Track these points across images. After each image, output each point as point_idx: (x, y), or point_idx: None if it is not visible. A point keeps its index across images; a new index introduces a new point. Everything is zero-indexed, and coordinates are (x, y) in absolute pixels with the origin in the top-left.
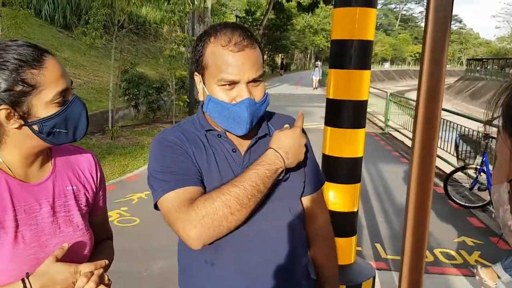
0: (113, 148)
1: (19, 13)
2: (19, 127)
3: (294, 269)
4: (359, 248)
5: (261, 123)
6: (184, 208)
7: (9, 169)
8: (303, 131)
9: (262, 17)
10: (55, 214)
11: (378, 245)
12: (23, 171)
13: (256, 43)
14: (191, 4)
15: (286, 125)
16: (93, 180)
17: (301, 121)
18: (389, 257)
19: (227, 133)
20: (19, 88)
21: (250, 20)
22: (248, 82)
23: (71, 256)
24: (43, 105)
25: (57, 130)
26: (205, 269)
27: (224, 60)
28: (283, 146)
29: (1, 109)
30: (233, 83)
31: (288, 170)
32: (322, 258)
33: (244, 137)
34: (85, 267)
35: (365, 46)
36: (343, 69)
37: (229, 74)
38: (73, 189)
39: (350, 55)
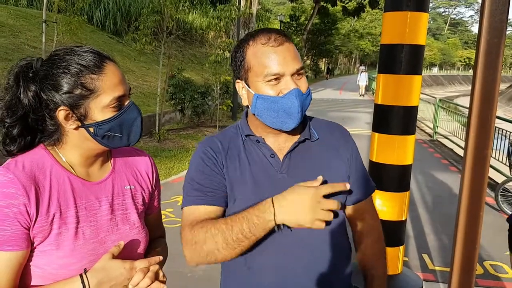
0: (160, 151)
1: (74, 20)
2: (76, 128)
3: (334, 277)
4: (405, 258)
5: (303, 127)
6: (188, 227)
7: (72, 168)
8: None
9: (307, 22)
10: (113, 212)
11: (425, 256)
12: (84, 170)
13: (291, 40)
14: (237, 10)
15: (319, 177)
16: (149, 180)
17: (318, 183)
18: (436, 268)
19: (266, 139)
20: (78, 91)
21: (295, 25)
22: (292, 75)
23: (127, 252)
24: (99, 109)
25: (112, 134)
26: (243, 272)
27: (266, 56)
28: (284, 199)
29: (61, 109)
30: (278, 78)
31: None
32: (371, 258)
33: (283, 141)
34: (141, 263)
35: (416, 51)
36: (393, 74)
37: (274, 68)
38: (130, 189)
39: (400, 59)
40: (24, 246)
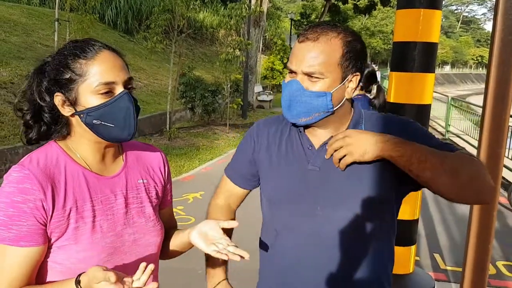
0: (170, 149)
1: (85, 18)
2: (72, 115)
3: (353, 279)
4: (417, 258)
5: (350, 123)
6: (215, 195)
7: (86, 163)
8: None
9: (317, 20)
10: (128, 205)
11: (437, 256)
12: (97, 165)
13: (330, 38)
14: (248, 9)
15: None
16: (162, 174)
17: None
18: (448, 268)
19: (306, 130)
20: (68, 75)
21: (305, 23)
22: (305, 74)
23: (144, 245)
24: (89, 95)
25: (103, 123)
26: (273, 237)
27: (292, 50)
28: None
29: (57, 95)
30: (294, 73)
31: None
32: None
33: (324, 135)
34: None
35: (430, 48)
36: (406, 72)
37: (290, 63)
38: (143, 182)
39: (413, 57)
40: (41, 241)
